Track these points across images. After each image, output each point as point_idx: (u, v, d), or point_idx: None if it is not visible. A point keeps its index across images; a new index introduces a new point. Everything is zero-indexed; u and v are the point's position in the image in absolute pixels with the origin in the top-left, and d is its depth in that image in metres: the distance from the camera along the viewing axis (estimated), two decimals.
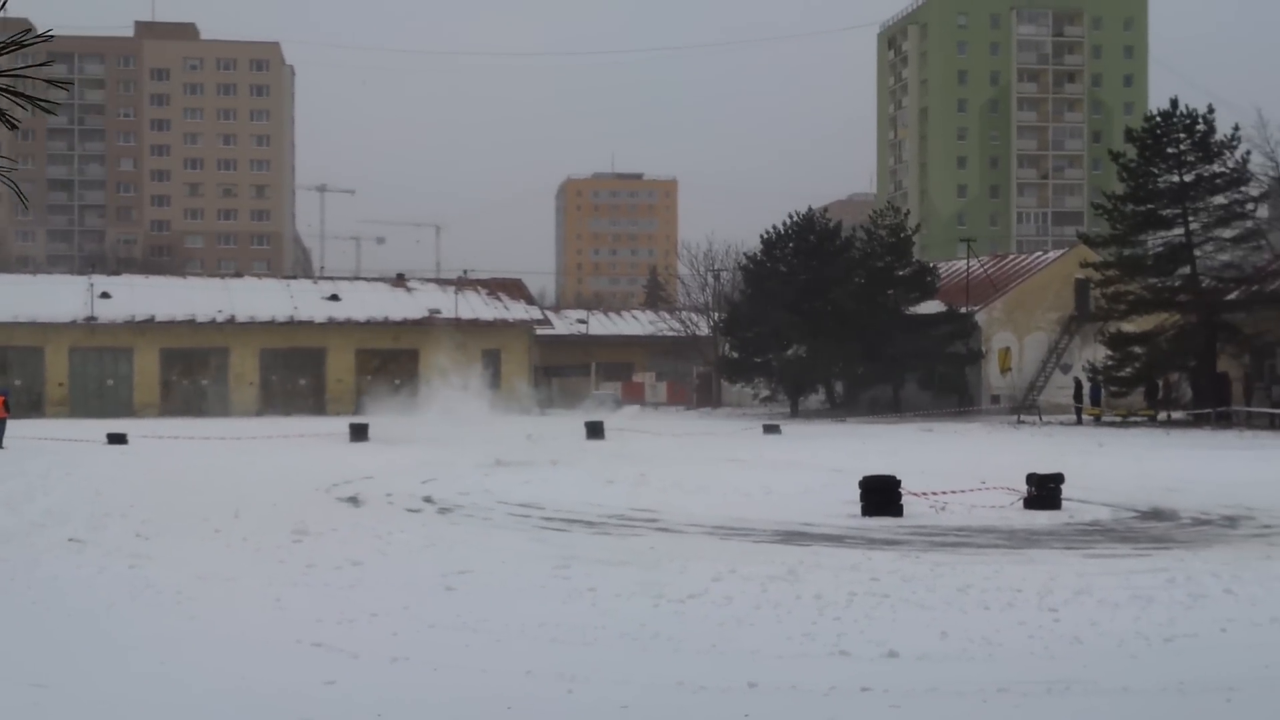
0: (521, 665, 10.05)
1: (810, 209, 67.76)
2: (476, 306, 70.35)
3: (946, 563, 15.66)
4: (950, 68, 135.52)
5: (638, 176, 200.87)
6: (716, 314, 78.91)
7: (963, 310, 63.20)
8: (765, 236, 67.60)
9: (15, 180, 1.36)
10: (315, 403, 66.67)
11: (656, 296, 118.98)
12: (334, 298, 69.74)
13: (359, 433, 42.76)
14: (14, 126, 1.56)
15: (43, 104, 1.38)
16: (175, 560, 15.74)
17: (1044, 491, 21.57)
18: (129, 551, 16.45)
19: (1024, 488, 21.90)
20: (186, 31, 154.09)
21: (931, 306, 63.63)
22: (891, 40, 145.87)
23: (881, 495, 20.63)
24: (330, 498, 24.03)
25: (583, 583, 13.99)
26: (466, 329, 67.53)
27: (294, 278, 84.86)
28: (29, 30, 1.27)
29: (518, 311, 71.34)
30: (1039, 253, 75.87)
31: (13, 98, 1.44)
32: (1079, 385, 57.17)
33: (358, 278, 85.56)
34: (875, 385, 63.82)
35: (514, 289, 74.98)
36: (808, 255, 65.20)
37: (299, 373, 67.64)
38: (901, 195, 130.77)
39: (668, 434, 46.00)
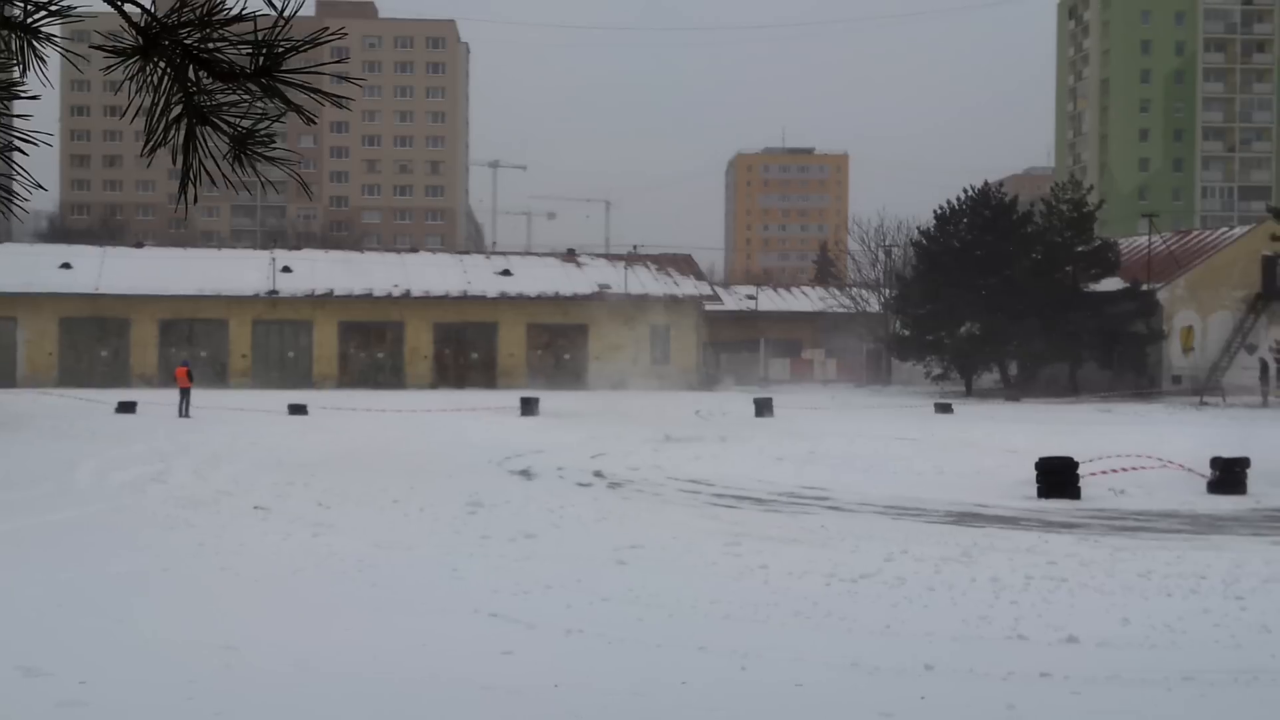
0: (695, 641, 10.08)
1: (985, 183, 66.43)
2: (646, 282, 70.57)
3: (1126, 547, 15.29)
4: (1133, 37, 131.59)
5: (809, 151, 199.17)
6: (887, 290, 77.92)
7: (1144, 288, 61.45)
8: (939, 212, 66.45)
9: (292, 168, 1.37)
10: (487, 376, 67.61)
11: (826, 273, 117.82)
12: (506, 273, 70.59)
13: (529, 407, 43.24)
14: (311, 122, 1.59)
15: (338, 99, 1.41)
16: (355, 529, 16.14)
17: (1229, 475, 20.92)
18: (311, 519, 16.92)
19: (1208, 471, 21.26)
20: (366, 10, 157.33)
21: (1112, 284, 61.93)
22: (1072, 9, 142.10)
23: (1058, 477, 20.22)
24: (503, 471, 24.37)
25: (754, 560, 13.98)
26: (636, 304, 67.80)
27: (467, 253, 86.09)
28: (326, 27, 1.30)
29: (687, 287, 71.37)
30: (1224, 229, 73.36)
31: (312, 94, 1.47)
32: (1265, 366, 55.22)
33: (529, 253, 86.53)
34: (1051, 364, 62.39)
35: (683, 265, 75.04)
36: (983, 230, 63.91)
37: (471, 346, 68.65)
38: (1080, 169, 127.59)
39: (837, 411, 45.67)
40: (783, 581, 12.74)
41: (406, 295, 67.45)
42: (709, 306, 72.94)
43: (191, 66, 1.41)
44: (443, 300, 67.72)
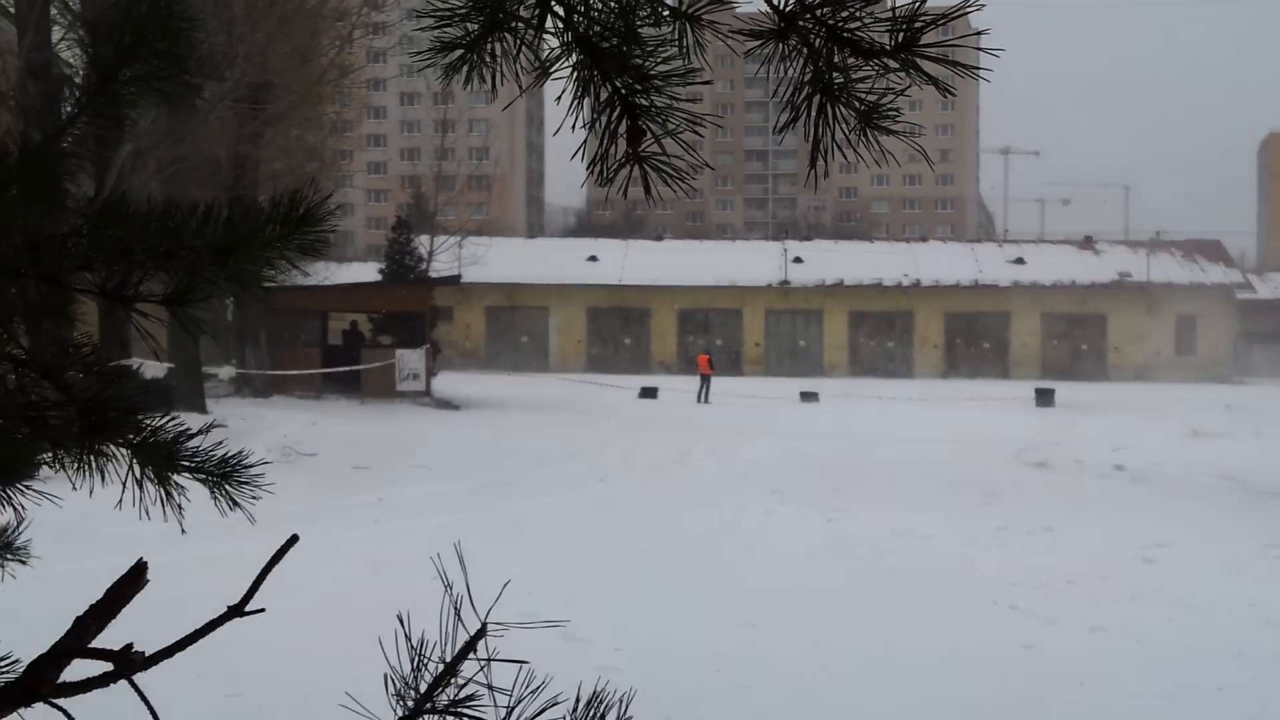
0: (1231, 646, 9.45)
1: None
2: (1170, 270, 67.03)
3: None
4: None
5: None
6: None
7: None
8: None
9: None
10: (999, 366, 66.31)
11: None
12: (1019, 261, 68.94)
13: (1045, 397, 42.05)
14: (949, 93, 1.60)
15: (975, 72, 1.40)
16: (869, 516, 16.17)
17: None
18: (825, 505, 17.09)
19: None
20: None
21: None
22: None
23: None
24: (1018, 462, 23.80)
25: None
26: (1158, 293, 64.58)
27: (978, 241, 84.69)
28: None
29: (1215, 275, 67.27)
30: None
31: (951, 68, 1.48)
32: None
33: (1042, 240, 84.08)
34: None
35: (1211, 251, 70.72)
36: None
37: (983, 336, 67.49)
38: None
39: None
40: None
41: (916, 284, 67.14)
42: (1240, 295, 68.45)
43: (831, 45, 1.45)
44: (953, 289, 66.95)
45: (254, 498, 2.05)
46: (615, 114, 1.59)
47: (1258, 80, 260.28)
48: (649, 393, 43.61)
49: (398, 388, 36.00)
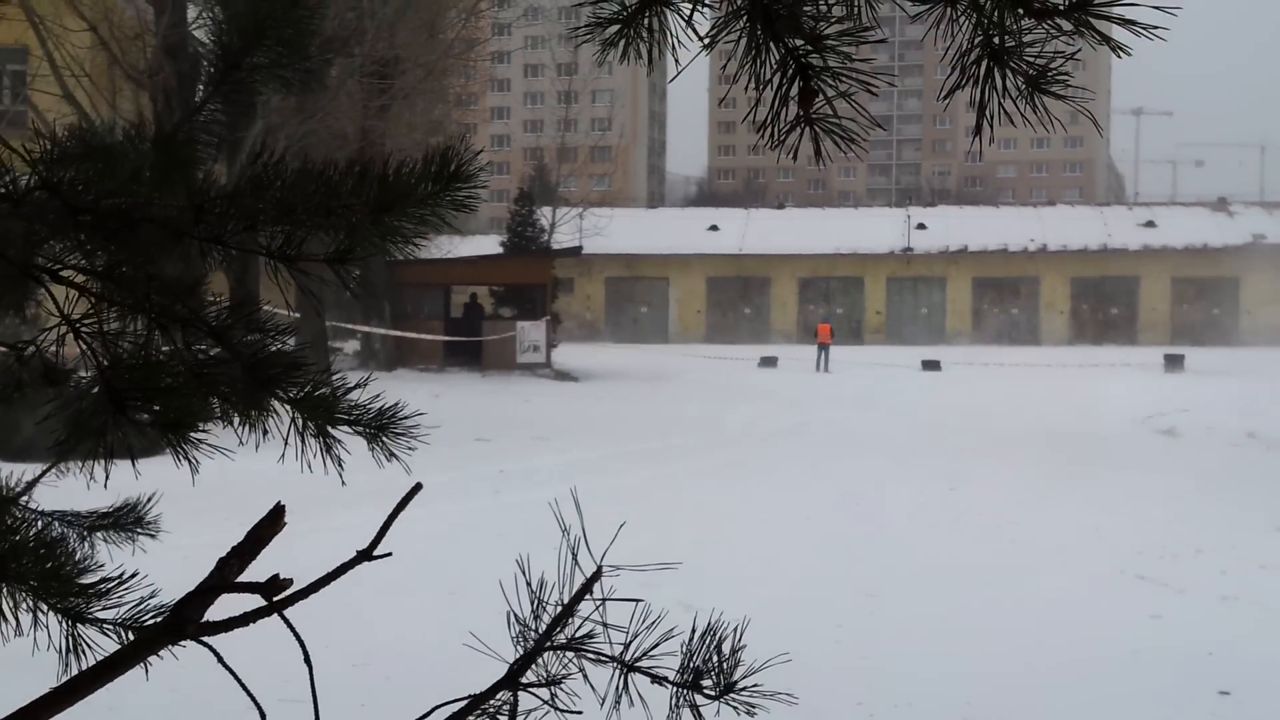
0: None
1: None
2: None
3: None
4: None
5: None
6: None
7: None
8: None
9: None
10: (1127, 332, 65.05)
11: None
12: (1149, 224, 67.47)
13: (1174, 363, 41.20)
14: (1122, 53, 1.60)
15: (1154, 31, 1.39)
16: (993, 484, 16.02)
17: None
18: (946, 474, 16.94)
19: None
20: None
21: None
22: None
23: None
24: (1145, 429, 23.37)
25: None
26: None
27: (1107, 204, 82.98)
28: None
29: None
30: None
31: (1129, 27, 1.48)
32: None
33: (1174, 203, 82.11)
34: None
35: None
36: None
37: (1110, 301, 66.21)
38: None
39: None
40: None
41: (1043, 250, 66.05)
42: None
43: (1003, 6, 1.44)
44: (1081, 254, 65.75)
45: (409, 448, 2.10)
46: (788, 76, 1.59)
47: None
48: (769, 362, 43.54)
49: (518, 360, 36.34)
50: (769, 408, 26.72)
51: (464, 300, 39.86)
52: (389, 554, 1.90)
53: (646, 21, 1.61)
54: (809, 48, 1.57)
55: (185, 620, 1.84)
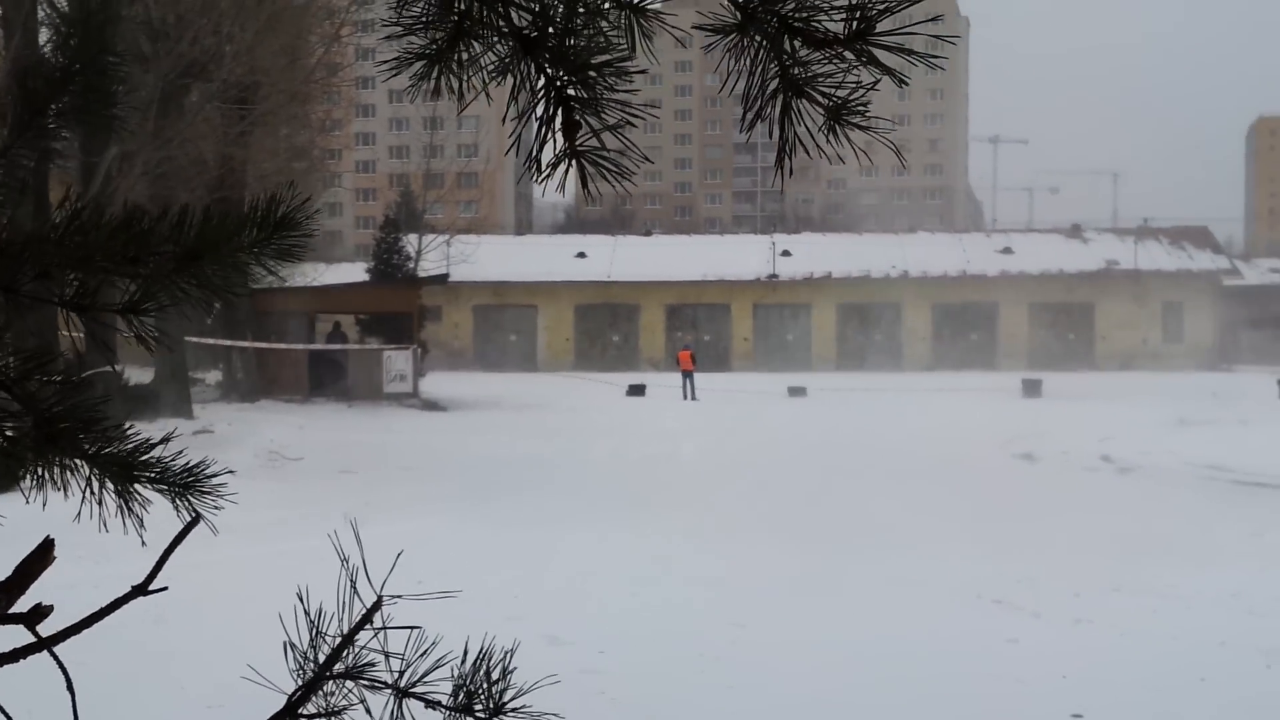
0: (1215, 636, 9.45)
1: None
2: (1157, 257, 67.14)
3: None
4: None
5: None
6: None
7: None
8: None
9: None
10: (986, 357, 66.40)
11: None
12: (1007, 250, 69.03)
13: (1032, 388, 42.13)
14: (903, 83, 1.59)
15: (933, 60, 1.38)
16: (856, 509, 16.19)
17: None
18: (812, 498, 17.08)
19: None
20: None
21: None
22: None
23: None
24: (1004, 454, 23.82)
25: None
26: (1146, 281, 64.70)
27: (966, 231, 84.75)
28: None
29: (1202, 261, 67.39)
30: None
31: (905, 56, 1.46)
32: None
33: (1030, 229, 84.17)
34: None
35: (1199, 238, 70.87)
36: None
37: (971, 327, 67.58)
38: None
39: None
40: None
41: (904, 276, 67.17)
42: (1227, 281, 68.62)
43: (786, 36, 1.43)
44: (941, 280, 67.04)
45: (216, 508, 2.03)
46: (551, 108, 1.57)
47: (1245, 66, 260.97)
48: (637, 390, 43.62)
49: (385, 390, 35.95)
50: (636, 435, 26.78)
51: (327, 330, 39.36)
52: (164, 588, 1.84)
53: (456, 55, 1.58)
54: (569, 78, 1.55)
55: None
